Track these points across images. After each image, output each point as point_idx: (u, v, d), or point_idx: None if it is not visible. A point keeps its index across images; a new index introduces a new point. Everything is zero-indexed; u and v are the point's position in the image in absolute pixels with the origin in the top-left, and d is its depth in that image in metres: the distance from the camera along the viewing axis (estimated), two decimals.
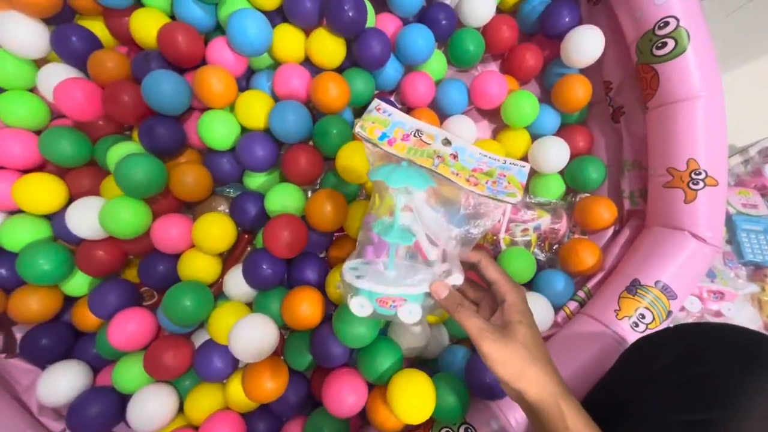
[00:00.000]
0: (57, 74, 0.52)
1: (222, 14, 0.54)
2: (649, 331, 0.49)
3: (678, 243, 0.51)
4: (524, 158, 0.65)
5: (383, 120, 0.36)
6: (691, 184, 0.51)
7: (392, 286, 0.33)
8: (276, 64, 0.58)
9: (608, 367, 0.45)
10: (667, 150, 0.52)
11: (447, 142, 0.36)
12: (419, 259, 0.35)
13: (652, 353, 0.30)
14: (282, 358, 0.53)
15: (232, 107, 0.56)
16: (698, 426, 0.29)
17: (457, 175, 0.34)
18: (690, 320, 0.58)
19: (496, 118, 0.67)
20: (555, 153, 0.61)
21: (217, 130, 0.54)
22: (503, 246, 0.62)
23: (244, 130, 0.56)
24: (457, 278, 0.34)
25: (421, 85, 0.60)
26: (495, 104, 0.62)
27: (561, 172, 0.64)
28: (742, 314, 0.57)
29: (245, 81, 0.59)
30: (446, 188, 0.34)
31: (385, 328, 0.53)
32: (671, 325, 0.47)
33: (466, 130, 0.61)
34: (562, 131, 0.65)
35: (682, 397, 0.31)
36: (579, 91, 0.59)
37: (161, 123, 0.52)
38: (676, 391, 0.32)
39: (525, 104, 0.60)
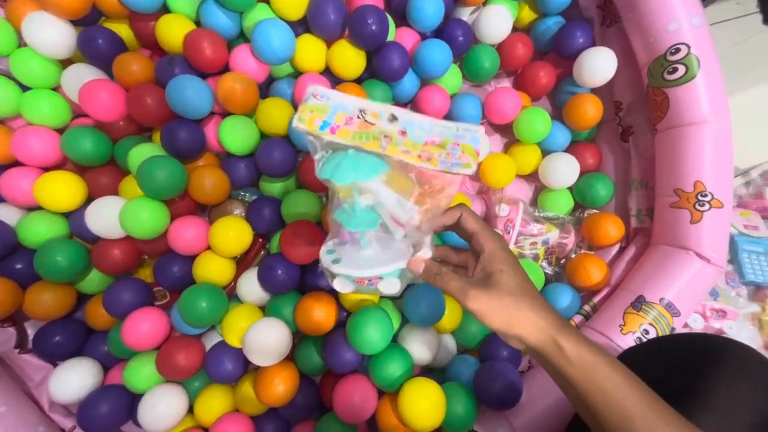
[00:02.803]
0: (82, 75, 0.53)
1: (247, 23, 0.55)
2: None
3: (683, 262, 0.53)
4: (534, 173, 0.66)
5: (322, 107, 0.33)
6: (697, 206, 0.52)
7: (366, 268, 0.33)
8: (297, 72, 0.59)
9: None
10: (675, 171, 0.54)
11: (393, 118, 0.34)
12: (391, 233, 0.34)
13: (639, 368, 0.30)
14: (292, 362, 0.54)
15: (252, 113, 0.57)
16: None
17: (407, 152, 0.32)
18: None
19: (508, 133, 0.68)
20: (565, 169, 0.62)
21: (237, 136, 0.55)
22: None
23: (263, 136, 0.57)
24: (426, 252, 0.34)
25: (436, 99, 0.62)
26: (508, 120, 0.63)
27: (570, 188, 0.66)
28: (742, 333, 0.58)
29: (266, 88, 0.60)
30: (399, 170, 0.32)
31: (396, 336, 0.54)
32: (655, 337, 0.49)
33: None
34: (571, 148, 0.67)
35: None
36: (590, 110, 0.61)
37: (183, 126, 0.53)
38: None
39: (537, 121, 0.61)
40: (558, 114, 0.67)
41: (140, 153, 0.53)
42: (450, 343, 0.57)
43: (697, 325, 0.57)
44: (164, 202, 0.53)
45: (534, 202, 0.70)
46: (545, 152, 0.66)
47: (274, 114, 0.55)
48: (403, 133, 0.33)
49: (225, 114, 0.57)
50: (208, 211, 0.60)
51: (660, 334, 0.51)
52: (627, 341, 0.51)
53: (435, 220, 0.35)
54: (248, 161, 0.58)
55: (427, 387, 0.46)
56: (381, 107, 0.34)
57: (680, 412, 0.28)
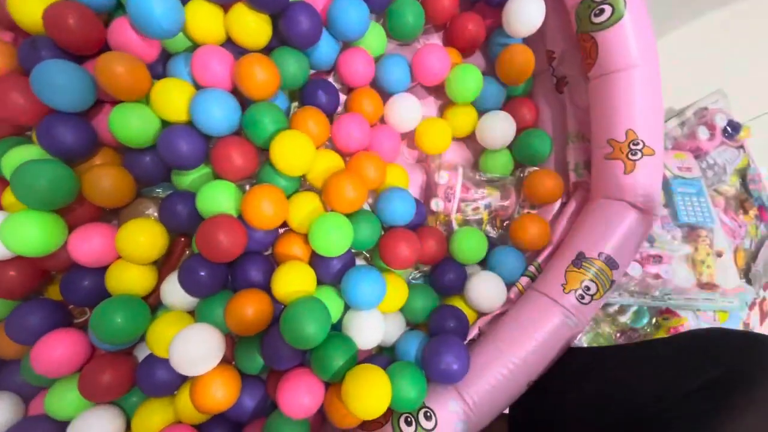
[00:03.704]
0: None
1: None
2: (594, 302, 0.51)
3: (619, 214, 0.52)
4: (472, 135, 0.63)
5: None
6: (630, 155, 0.51)
7: None
8: (195, 45, 0.52)
9: (559, 345, 0.46)
10: (608, 121, 0.52)
11: None
12: None
13: (690, 365, 0.25)
14: (233, 363, 0.51)
15: (148, 98, 0.50)
16: None
17: None
18: (632, 284, 0.60)
19: (441, 95, 0.64)
20: (501, 128, 0.60)
21: (131, 126, 0.47)
22: (455, 226, 0.61)
23: (164, 123, 0.50)
24: None
25: (358, 63, 0.56)
26: (438, 80, 0.59)
27: (510, 147, 0.63)
28: (678, 275, 0.60)
29: (162, 67, 0.53)
30: None
31: (339, 324, 0.52)
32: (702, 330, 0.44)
33: (410, 109, 0.58)
34: (508, 104, 0.64)
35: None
36: (521, 61, 0.57)
37: (63, 122, 0.46)
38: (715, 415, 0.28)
39: (468, 78, 0.57)
40: (493, 70, 0.63)
41: (16, 158, 0.45)
42: (398, 319, 0.56)
43: (636, 273, 0.58)
44: (57, 212, 0.46)
45: (476, 165, 0.67)
46: (481, 112, 0.62)
47: (172, 97, 0.48)
48: None
49: (116, 102, 0.49)
50: (119, 214, 0.54)
51: (600, 289, 0.51)
52: (570, 300, 0.51)
53: None
54: (153, 154, 0.51)
55: (369, 374, 0.44)
56: None
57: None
